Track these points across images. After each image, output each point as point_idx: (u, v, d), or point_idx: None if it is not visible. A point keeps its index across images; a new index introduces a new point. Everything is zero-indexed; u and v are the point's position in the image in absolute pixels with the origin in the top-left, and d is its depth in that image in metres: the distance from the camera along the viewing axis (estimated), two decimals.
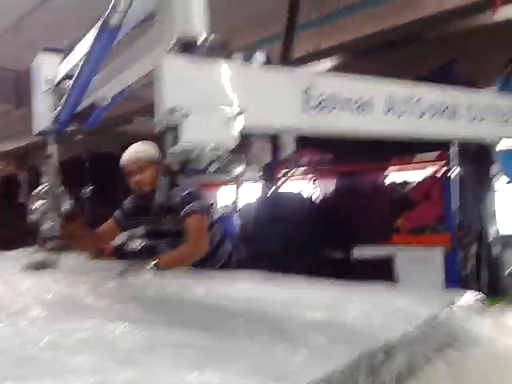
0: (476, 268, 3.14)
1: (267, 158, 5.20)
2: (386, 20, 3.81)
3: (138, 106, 6.06)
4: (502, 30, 3.49)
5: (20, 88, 6.03)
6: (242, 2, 3.34)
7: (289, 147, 1.06)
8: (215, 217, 2.52)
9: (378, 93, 1.11)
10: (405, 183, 4.31)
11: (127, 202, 2.54)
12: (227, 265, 2.47)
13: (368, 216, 4.18)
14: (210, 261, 2.38)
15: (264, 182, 5.03)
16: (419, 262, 3.71)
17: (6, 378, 0.79)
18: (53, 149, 1.93)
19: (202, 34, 0.93)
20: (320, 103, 1.01)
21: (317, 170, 4.70)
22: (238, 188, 5.56)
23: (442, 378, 1.00)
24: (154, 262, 2.05)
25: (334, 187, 4.55)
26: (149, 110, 1.11)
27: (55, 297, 1.54)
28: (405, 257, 3.79)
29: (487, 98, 1.39)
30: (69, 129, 1.83)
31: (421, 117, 1.18)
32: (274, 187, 4.92)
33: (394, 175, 4.45)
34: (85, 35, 1.48)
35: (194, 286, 1.69)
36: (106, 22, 1.26)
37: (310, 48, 4.27)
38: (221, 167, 0.95)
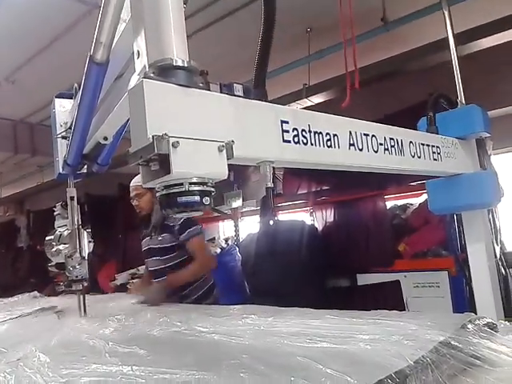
0: None
1: (264, 192, 5.23)
2: (371, 55, 3.96)
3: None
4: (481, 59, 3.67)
5: (17, 136, 6.12)
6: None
7: (267, 181, 1.06)
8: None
9: (341, 128, 1.22)
10: (405, 207, 4.31)
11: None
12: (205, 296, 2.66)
13: (369, 243, 4.16)
14: (189, 290, 2.61)
15: (263, 214, 5.02)
16: (425, 286, 3.67)
17: None
18: (72, 192, 1.95)
19: (179, 59, 0.88)
20: (295, 136, 1.09)
21: (315, 201, 4.71)
22: (237, 221, 5.55)
23: None
24: (162, 281, 2.39)
25: (333, 216, 4.55)
26: None
27: (59, 341, 1.51)
28: (410, 281, 3.75)
29: (421, 137, 1.55)
30: (82, 171, 1.84)
31: (376, 151, 1.33)
32: (273, 219, 4.91)
33: (393, 202, 4.46)
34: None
35: (198, 322, 1.66)
36: (92, 58, 1.21)
37: (300, 85, 4.40)
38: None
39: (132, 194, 2.70)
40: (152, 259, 2.68)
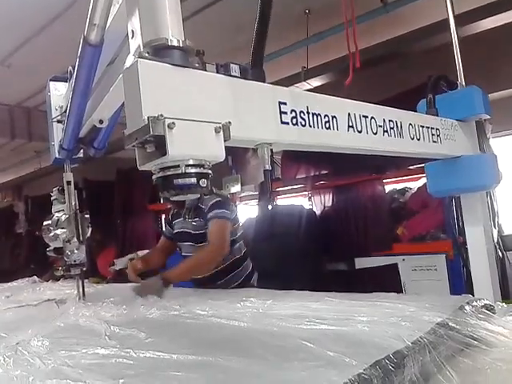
0: None
1: (262, 177, 5.22)
2: (371, 37, 3.91)
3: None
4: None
5: (14, 121, 6.07)
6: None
7: (265, 163, 1.04)
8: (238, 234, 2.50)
9: (340, 110, 1.20)
10: (403, 191, 4.32)
11: (169, 215, 2.61)
12: (243, 285, 2.42)
13: (368, 226, 4.17)
14: (225, 279, 2.39)
15: (261, 199, 5.02)
16: (423, 270, 3.70)
17: None
18: (69, 176, 1.91)
19: (174, 39, 0.86)
20: (293, 118, 1.07)
21: (314, 185, 4.71)
22: (236, 206, 5.55)
23: None
24: (162, 277, 2.05)
25: (331, 200, 4.56)
26: None
27: (58, 326, 1.51)
28: (408, 265, 3.77)
29: (420, 119, 1.52)
30: (79, 155, 1.81)
31: (375, 133, 1.31)
32: (271, 203, 4.92)
33: (392, 186, 4.47)
34: None
35: (197, 305, 1.67)
36: (86, 39, 1.19)
37: (298, 67, 4.36)
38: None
39: None
40: (186, 244, 2.45)
